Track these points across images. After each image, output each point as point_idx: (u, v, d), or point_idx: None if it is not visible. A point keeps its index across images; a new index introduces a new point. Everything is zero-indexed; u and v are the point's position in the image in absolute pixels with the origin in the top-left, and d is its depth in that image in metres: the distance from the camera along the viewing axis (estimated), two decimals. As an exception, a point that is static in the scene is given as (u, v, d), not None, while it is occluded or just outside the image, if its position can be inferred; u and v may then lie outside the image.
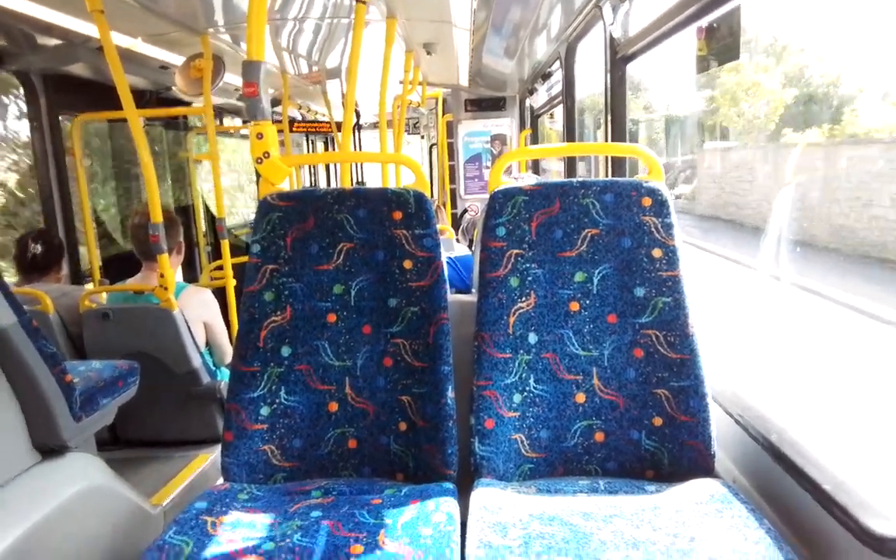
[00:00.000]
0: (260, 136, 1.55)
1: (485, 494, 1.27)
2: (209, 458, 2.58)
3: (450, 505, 1.25)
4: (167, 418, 2.63)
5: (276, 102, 4.83)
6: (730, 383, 1.52)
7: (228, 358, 2.86)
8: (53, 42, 2.83)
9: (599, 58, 2.48)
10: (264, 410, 1.45)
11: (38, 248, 2.71)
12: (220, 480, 1.45)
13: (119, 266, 3.77)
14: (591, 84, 3.34)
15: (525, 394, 1.43)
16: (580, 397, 1.43)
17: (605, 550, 1.08)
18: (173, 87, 3.35)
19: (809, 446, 1.19)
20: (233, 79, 3.62)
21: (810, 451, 1.17)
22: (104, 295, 2.80)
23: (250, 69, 1.51)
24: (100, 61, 2.82)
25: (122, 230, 4.28)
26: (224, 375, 2.78)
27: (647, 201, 1.45)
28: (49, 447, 1.72)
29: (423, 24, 3.07)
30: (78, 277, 3.41)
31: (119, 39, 2.84)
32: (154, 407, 2.55)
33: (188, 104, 3.93)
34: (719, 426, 1.40)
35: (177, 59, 3.36)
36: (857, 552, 1.00)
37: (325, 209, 1.51)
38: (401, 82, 3.88)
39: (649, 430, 1.40)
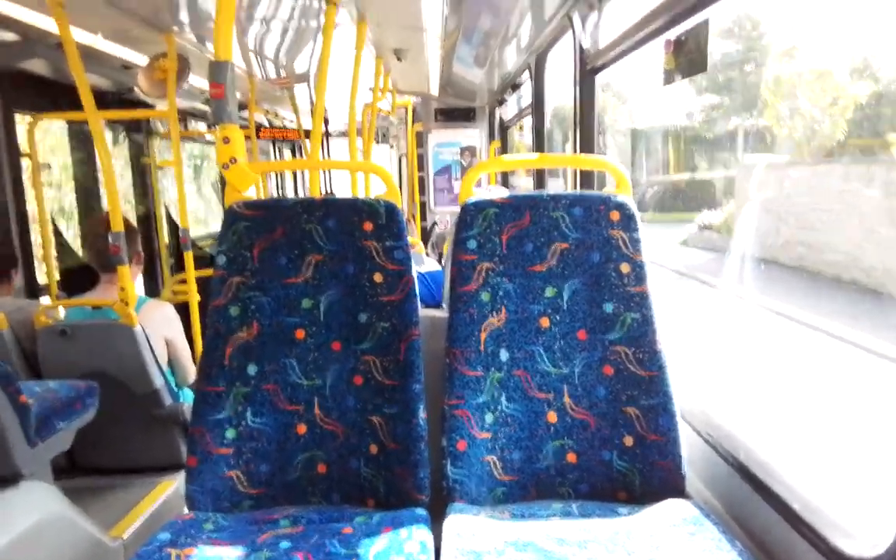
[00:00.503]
0: (226, 140, 1.50)
1: (458, 520, 1.24)
2: (172, 486, 2.48)
3: (423, 533, 1.22)
4: (127, 443, 2.53)
5: (242, 107, 4.74)
6: (699, 402, 1.53)
7: (191, 378, 2.76)
8: (8, 37, 2.71)
9: (569, 69, 2.50)
10: (230, 433, 1.40)
11: None
12: (184, 509, 1.38)
13: (76, 279, 3.63)
14: (560, 96, 3.37)
15: (497, 413, 1.41)
16: (552, 416, 1.42)
17: None
18: (136, 88, 3.25)
19: (778, 466, 1.19)
20: (198, 81, 3.53)
21: (779, 471, 1.18)
22: (61, 310, 2.68)
23: (217, 70, 1.46)
24: (59, 59, 2.71)
25: (81, 239, 4.12)
26: (186, 397, 2.69)
27: (615, 215, 1.44)
28: (2, 476, 1.62)
29: (394, 29, 3.05)
30: (33, 291, 3.26)
31: (79, 36, 2.73)
32: (113, 430, 2.44)
33: (151, 106, 3.82)
34: (689, 446, 1.40)
35: (140, 59, 3.25)
36: None
37: (294, 219, 1.47)
38: (371, 89, 3.84)
39: (620, 451, 1.39)
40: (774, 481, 1.16)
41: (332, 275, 1.46)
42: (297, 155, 8.10)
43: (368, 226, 1.46)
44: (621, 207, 1.45)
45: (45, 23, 2.56)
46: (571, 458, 1.41)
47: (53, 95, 3.28)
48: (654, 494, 1.34)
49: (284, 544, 1.19)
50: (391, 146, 7.92)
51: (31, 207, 3.33)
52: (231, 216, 1.46)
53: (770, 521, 1.16)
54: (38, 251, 3.40)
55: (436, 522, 1.28)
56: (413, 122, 5.56)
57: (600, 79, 2.34)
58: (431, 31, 3.08)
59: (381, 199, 1.49)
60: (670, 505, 1.27)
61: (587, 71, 2.35)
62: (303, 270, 1.46)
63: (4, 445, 1.61)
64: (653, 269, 1.45)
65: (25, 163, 3.30)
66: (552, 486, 1.42)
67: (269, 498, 1.42)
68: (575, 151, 2.47)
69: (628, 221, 1.44)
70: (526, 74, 3.57)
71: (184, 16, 2.70)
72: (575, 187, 2.63)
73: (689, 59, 1.67)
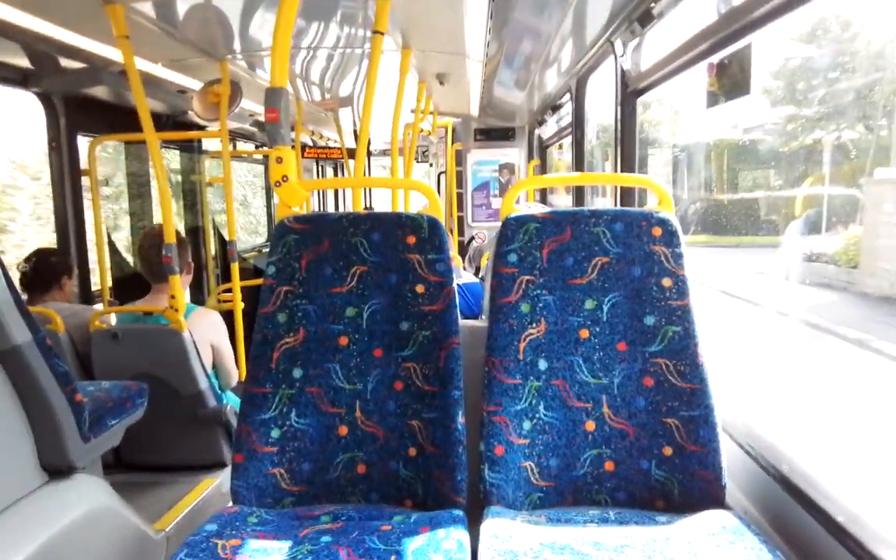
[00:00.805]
0: (279, 160, 1.57)
1: (495, 522, 1.26)
2: (213, 483, 2.56)
3: (460, 533, 1.24)
4: (172, 441, 2.62)
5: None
6: (740, 414, 1.51)
7: (234, 381, 2.86)
8: (76, 65, 2.89)
9: (609, 91, 2.52)
10: (275, 432, 1.45)
11: (29, 267, 2.74)
12: (227, 504, 1.44)
13: (126, 288, 3.80)
14: (599, 115, 3.38)
15: (534, 421, 1.43)
16: (590, 425, 1.43)
17: None
18: (190, 112, 3.40)
19: (821, 477, 1.18)
20: (247, 104, 3.68)
21: (822, 483, 1.17)
22: (113, 316, 2.82)
23: (273, 96, 1.54)
24: (120, 85, 2.87)
25: (132, 251, 4.32)
26: (229, 399, 2.78)
27: (657, 231, 1.46)
28: (57, 468, 1.71)
29: (437, 56, 3.13)
30: (88, 298, 3.43)
31: (141, 64, 2.90)
32: (160, 429, 2.54)
33: (203, 128, 3.98)
34: (730, 457, 1.39)
35: (194, 84, 3.42)
36: None
37: (340, 232, 1.53)
38: (412, 111, 3.93)
39: (659, 460, 1.40)
40: (818, 493, 1.15)
41: (375, 285, 1.52)
42: (339, 173, 8.29)
43: (411, 239, 1.51)
44: (663, 223, 1.46)
45: (109, 52, 2.72)
46: (609, 466, 1.42)
47: (112, 118, 3.47)
48: (694, 505, 1.34)
49: (325, 539, 1.23)
50: (430, 164, 8.02)
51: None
52: (281, 229, 1.53)
53: (813, 533, 1.15)
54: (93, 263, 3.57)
55: (472, 525, 1.30)
56: (453, 140, 5.64)
57: (652, 94, 2.34)
58: (474, 57, 3.15)
59: (424, 214, 1.54)
60: (710, 515, 1.27)
61: (628, 93, 2.38)
62: (348, 280, 1.52)
63: (61, 440, 1.69)
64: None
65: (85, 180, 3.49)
66: (589, 494, 1.43)
67: (310, 496, 1.47)
68: (616, 170, 2.49)
69: (671, 237, 1.46)
70: (566, 96, 3.60)
71: (237, 45, 2.84)
72: (616, 206, 2.64)
73: (732, 81, 1.68)
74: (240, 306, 3.24)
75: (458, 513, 1.34)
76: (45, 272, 2.77)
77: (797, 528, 1.21)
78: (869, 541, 1.00)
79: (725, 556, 1.12)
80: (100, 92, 3.34)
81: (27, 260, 2.77)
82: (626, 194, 2.52)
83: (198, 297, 4.73)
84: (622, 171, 2.44)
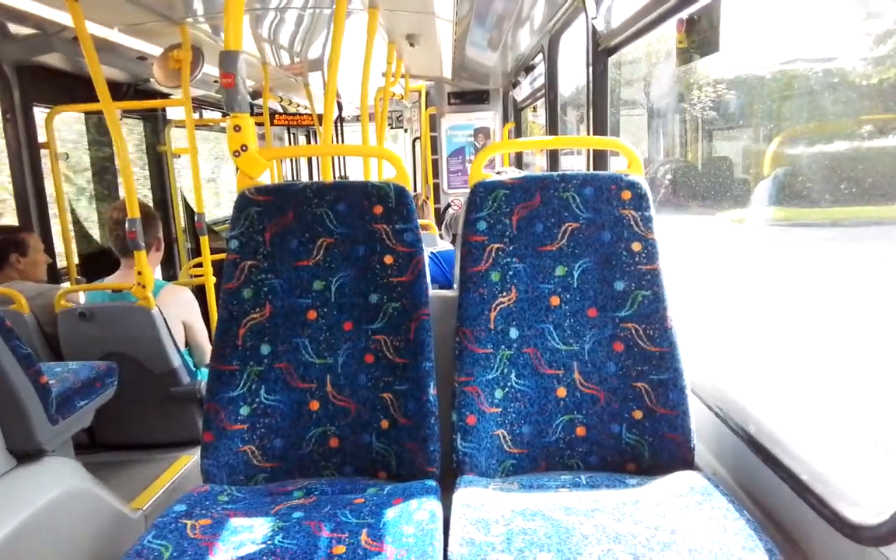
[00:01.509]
0: (237, 128, 1.52)
1: (467, 491, 1.27)
2: (190, 460, 2.55)
3: (432, 503, 1.24)
4: (146, 420, 2.59)
5: (256, 95, 4.76)
6: (709, 376, 1.53)
7: (208, 358, 2.82)
8: (27, 31, 2.76)
9: (582, 50, 2.48)
10: (244, 410, 1.43)
11: None
12: (201, 482, 1.43)
13: (97, 264, 3.70)
14: (575, 77, 3.32)
15: (506, 389, 1.43)
16: (561, 392, 1.43)
17: (587, 545, 1.07)
18: (151, 79, 3.28)
19: (787, 437, 1.20)
20: (212, 70, 3.56)
21: (788, 443, 1.18)
22: (81, 294, 2.75)
23: (228, 59, 1.48)
24: (75, 52, 2.75)
25: (100, 226, 4.20)
26: (204, 375, 2.75)
27: (626, 195, 1.45)
28: (25, 452, 1.68)
29: (406, 15, 3.04)
30: (54, 276, 3.34)
31: (95, 29, 2.77)
32: (133, 408, 2.51)
33: (167, 96, 3.85)
34: (699, 419, 1.41)
35: (155, 50, 3.29)
36: (834, 540, 1.01)
37: (305, 203, 1.49)
38: (383, 75, 3.84)
39: (630, 424, 1.41)
40: (783, 452, 1.17)
41: (343, 257, 1.49)
42: (312, 141, 8.14)
43: (379, 209, 1.48)
44: (633, 187, 1.45)
45: (61, 18, 2.60)
46: (581, 431, 1.43)
47: (71, 87, 3.33)
48: (664, 466, 1.36)
49: (297, 514, 1.22)
50: (405, 130, 7.91)
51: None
52: (243, 201, 1.49)
53: (778, 492, 1.17)
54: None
55: (446, 494, 1.31)
56: (426, 105, 5.55)
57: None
58: (443, 16, 3.07)
59: (391, 183, 1.50)
60: (679, 476, 1.28)
61: (600, 52, 2.33)
62: (314, 253, 1.48)
63: (27, 423, 1.66)
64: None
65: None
66: (561, 459, 1.44)
67: (282, 471, 1.46)
68: (588, 132, 2.46)
69: (640, 201, 1.44)
70: (539, 56, 3.55)
71: (198, 7, 2.73)
72: (588, 168, 2.62)
73: (702, 38, 1.66)
74: (211, 281, 3.18)
75: (431, 483, 1.34)
76: None
77: (764, 486, 1.24)
78: (830, 497, 1.02)
79: (694, 516, 1.13)
80: (55, 60, 3.20)
81: None
82: (599, 156, 2.50)
83: (169, 272, 4.64)
84: (594, 133, 2.41)
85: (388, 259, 1.47)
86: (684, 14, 1.67)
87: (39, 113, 3.32)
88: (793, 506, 1.12)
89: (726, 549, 1.03)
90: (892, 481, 0.92)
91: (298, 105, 6.51)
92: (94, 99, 2.39)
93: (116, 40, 3.04)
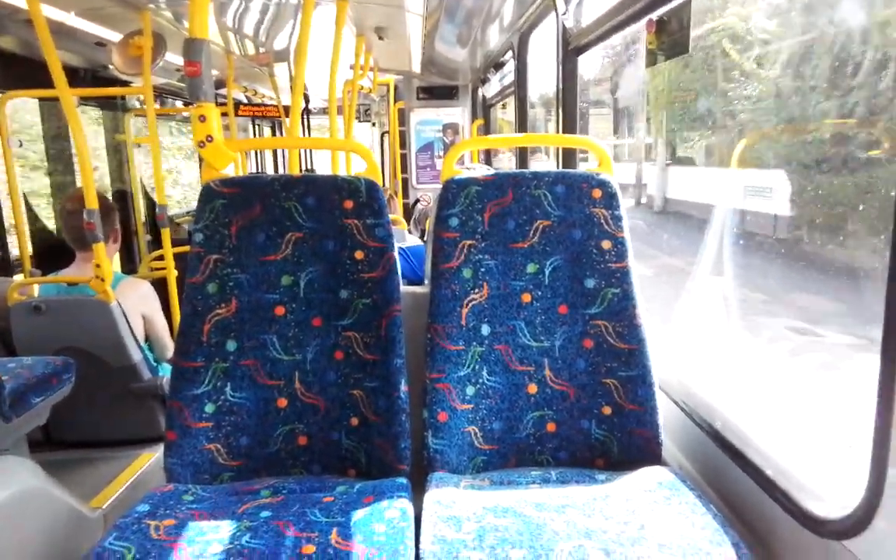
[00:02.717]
0: (202, 118, 1.48)
1: (438, 488, 1.26)
2: (152, 458, 2.48)
3: (403, 501, 1.23)
4: (106, 417, 2.51)
5: (220, 84, 4.65)
6: (676, 373, 1.56)
7: (169, 353, 2.74)
8: None
9: (552, 49, 2.49)
10: (209, 408, 1.40)
11: None
12: (164, 481, 1.38)
13: (52, 256, 3.57)
14: (546, 76, 3.33)
15: (478, 386, 1.42)
16: (532, 388, 1.44)
17: (558, 540, 1.08)
18: (110, 66, 3.17)
19: (752, 434, 1.23)
20: (175, 58, 3.46)
21: (753, 439, 1.21)
22: (35, 287, 2.64)
23: (192, 47, 1.44)
24: (31, 35, 2.63)
25: (55, 217, 4.05)
26: (165, 371, 2.67)
27: (597, 193, 1.46)
28: None
29: (375, 8, 3.01)
30: (7, 268, 3.20)
31: (50, 12, 2.66)
32: (91, 405, 2.43)
33: (127, 84, 3.73)
34: (666, 415, 1.44)
35: (114, 36, 3.18)
36: (798, 535, 1.04)
37: (273, 196, 1.46)
38: (351, 67, 3.80)
39: (599, 420, 1.42)
40: (748, 448, 1.20)
41: (312, 252, 1.46)
42: (278, 133, 8.00)
43: (349, 203, 1.46)
44: (603, 185, 1.46)
45: None
46: (551, 427, 1.44)
47: (26, 72, 3.19)
48: (632, 462, 1.38)
49: (265, 513, 1.20)
50: (373, 124, 7.85)
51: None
52: (208, 194, 1.45)
53: (744, 487, 1.20)
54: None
55: (417, 492, 1.30)
56: (395, 99, 5.51)
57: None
58: (413, 10, 3.05)
59: (361, 177, 1.48)
60: (647, 471, 1.30)
61: (570, 51, 2.35)
62: (282, 247, 1.45)
63: None
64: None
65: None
66: (531, 455, 1.44)
67: (249, 470, 1.42)
68: (557, 131, 2.48)
69: (610, 199, 1.46)
70: (509, 54, 3.55)
71: None
72: (558, 166, 2.64)
73: (671, 39, 1.68)
74: (173, 274, 3.09)
75: (402, 481, 1.33)
76: None
77: (730, 481, 1.27)
78: (794, 492, 1.05)
79: (662, 510, 1.15)
80: (8, 43, 3.06)
81: None
82: (568, 155, 2.52)
83: (129, 265, 4.50)
84: (564, 131, 2.43)
85: (359, 254, 1.45)
86: (654, 15, 1.69)
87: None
88: (758, 501, 1.15)
89: (694, 543, 1.05)
90: (854, 476, 0.94)
91: (264, 96, 6.39)
92: (50, 85, 2.30)
93: (74, 24, 2.93)
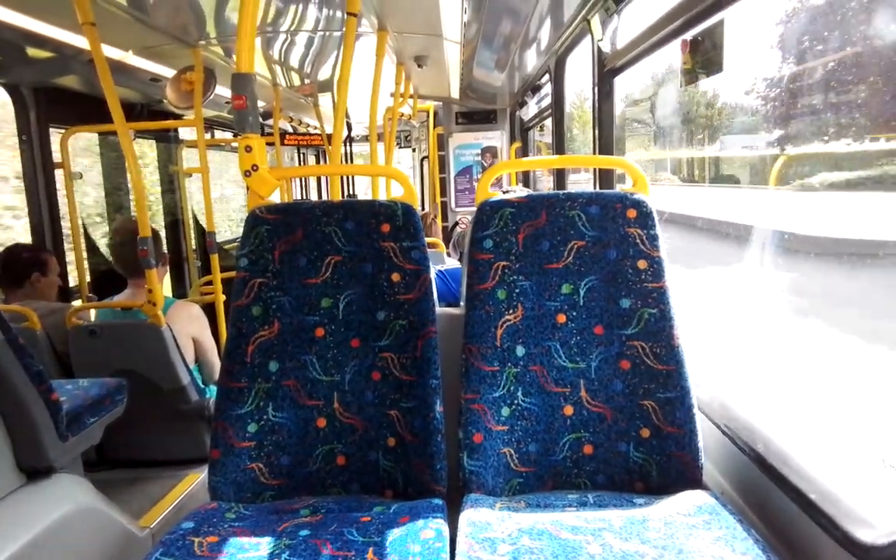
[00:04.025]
0: (248, 148, 1.54)
1: (474, 510, 1.26)
2: (198, 478, 2.55)
3: (439, 522, 1.24)
4: (155, 437, 2.60)
5: (267, 115, 4.83)
6: (716, 394, 1.52)
7: (217, 375, 2.84)
8: (44, 54, 2.83)
9: (588, 71, 2.50)
10: (252, 427, 1.44)
11: None
12: (209, 500, 1.43)
13: (107, 282, 3.75)
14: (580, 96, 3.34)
15: (513, 407, 1.43)
16: (568, 410, 1.43)
17: None
18: (164, 100, 3.35)
19: (796, 456, 1.19)
20: (224, 91, 3.63)
21: (797, 461, 1.17)
22: (92, 312, 2.78)
23: (239, 82, 1.51)
24: (91, 74, 2.82)
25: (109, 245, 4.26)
26: (212, 393, 2.76)
27: (632, 213, 1.45)
28: (34, 468, 1.69)
29: (414, 38, 3.09)
30: (66, 294, 3.38)
31: (110, 52, 2.83)
32: (142, 425, 2.52)
33: (179, 117, 3.92)
34: (706, 437, 1.40)
35: (168, 72, 3.36)
36: None
37: (314, 222, 1.51)
38: (392, 95, 3.89)
39: (637, 442, 1.40)
40: (792, 471, 1.16)
41: (350, 275, 1.50)
42: (322, 160, 8.21)
43: (386, 227, 1.49)
44: (638, 205, 1.46)
45: (79, 41, 2.66)
46: (588, 449, 1.43)
47: (86, 108, 3.40)
48: (671, 485, 1.35)
49: (304, 532, 1.22)
50: (413, 149, 7.97)
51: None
52: (253, 220, 1.51)
53: (787, 512, 1.16)
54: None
55: (452, 513, 1.30)
56: (434, 125, 5.60)
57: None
58: (451, 38, 3.11)
59: (398, 202, 1.52)
60: (687, 495, 1.27)
61: (605, 72, 2.36)
62: (322, 271, 1.50)
63: (37, 440, 1.67)
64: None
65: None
66: (569, 478, 1.43)
67: (289, 489, 1.45)
68: (594, 152, 2.48)
69: (645, 219, 1.45)
70: (546, 77, 3.58)
71: (210, 30, 2.79)
72: (595, 187, 2.63)
73: (706, 58, 1.67)
74: (221, 298, 3.21)
75: (438, 501, 1.34)
76: (14, 269, 2.73)
77: (772, 506, 1.23)
78: (840, 518, 1.01)
79: (702, 535, 1.12)
80: (71, 82, 3.27)
81: None
82: (605, 175, 2.51)
83: (179, 290, 4.68)
84: (600, 152, 2.43)
85: (396, 277, 1.48)
86: (688, 35, 1.69)
87: (54, 133, 3.39)
88: (802, 525, 1.11)
89: None
90: None
91: (308, 125, 6.59)
92: (109, 120, 2.44)
93: (131, 63, 3.11)
